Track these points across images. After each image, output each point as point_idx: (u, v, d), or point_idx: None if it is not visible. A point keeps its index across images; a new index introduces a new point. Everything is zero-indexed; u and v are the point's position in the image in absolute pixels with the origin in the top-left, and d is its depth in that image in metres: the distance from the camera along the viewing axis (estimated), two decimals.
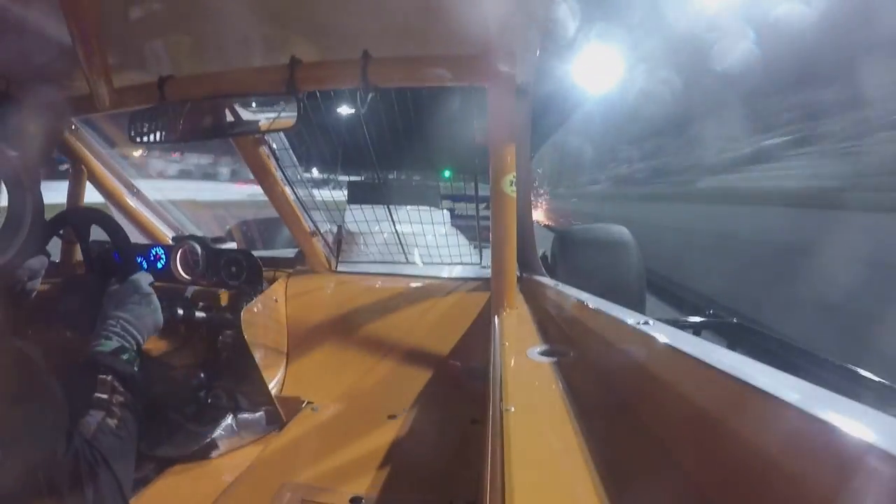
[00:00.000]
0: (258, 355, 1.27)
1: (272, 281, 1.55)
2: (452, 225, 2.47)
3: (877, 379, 0.81)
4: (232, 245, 1.56)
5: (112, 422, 0.83)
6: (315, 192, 1.52)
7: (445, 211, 2.99)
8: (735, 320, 1.15)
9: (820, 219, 3.64)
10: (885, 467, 0.31)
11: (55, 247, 1.44)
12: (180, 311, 1.44)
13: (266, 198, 1.45)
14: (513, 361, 0.81)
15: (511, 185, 1.05)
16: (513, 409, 0.62)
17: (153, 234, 1.74)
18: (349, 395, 1.36)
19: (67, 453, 0.73)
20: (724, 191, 5.59)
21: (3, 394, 0.67)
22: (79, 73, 1.03)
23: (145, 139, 1.03)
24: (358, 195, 2.49)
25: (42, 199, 0.92)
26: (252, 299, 1.39)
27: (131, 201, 1.68)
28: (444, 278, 1.56)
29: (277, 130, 1.04)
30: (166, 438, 1.05)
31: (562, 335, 0.96)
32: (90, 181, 1.58)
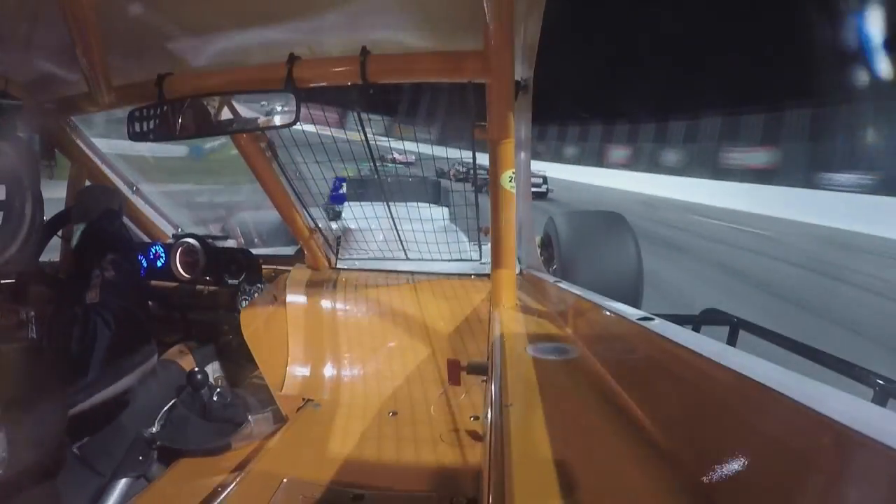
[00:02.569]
0: (259, 353, 1.27)
1: (272, 278, 1.55)
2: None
3: (877, 375, 0.80)
4: (231, 243, 1.56)
5: (109, 274, 0.93)
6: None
7: (444, 207, 2.99)
8: (735, 317, 1.15)
9: None
10: (884, 461, 0.31)
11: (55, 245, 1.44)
12: (180, 310, 1.45)
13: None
14: (513, 358, 0.81)
15: (510, 181, 1.05)
16: (513, 406, 0.63)
17: (153, 232, 1.74)
18: (350, 392, 1.36)
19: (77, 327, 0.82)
20: None
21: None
22: (77, 71, 1.03)
23: (144, 137, 1.03)
24: (357, 192, 2.49)
25: (42, 199, 0.92)
26: (252, 297, 1.39)
27: (131, 200, 1.68)
28: (444, 274, 1.56)
29: (276, 128, 1.03)
30: (171, 433, 1.06)
31: (562, 331, 0.96)
32: (90, 180, 1.58)
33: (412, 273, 1.58)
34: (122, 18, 1.00)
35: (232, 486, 0.98)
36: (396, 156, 3.08)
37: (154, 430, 1.06)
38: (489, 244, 1.18)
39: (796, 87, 12.73)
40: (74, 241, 1.06)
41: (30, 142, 1.31)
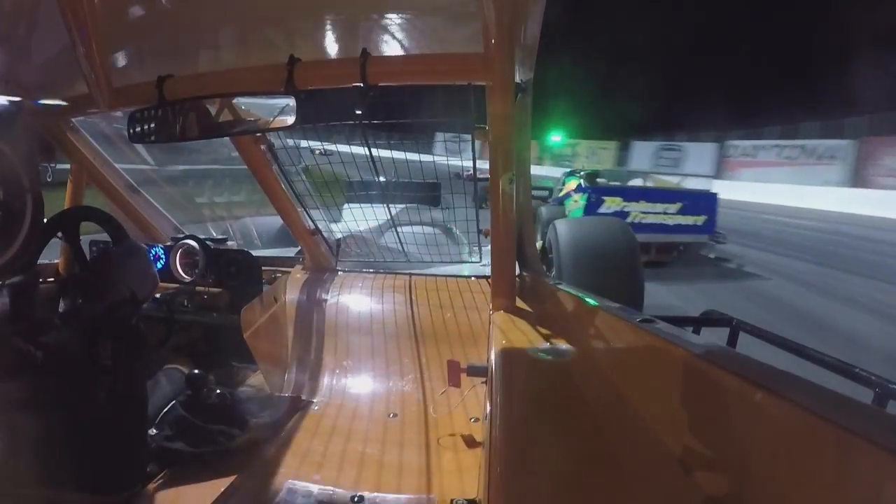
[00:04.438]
0: (259, 355, 1.27)
1: (272, 280, 1.55)
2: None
3: (877, 377, 0.81)
4: (231, 245, 1.56)
5: (107, 361, 0.90)
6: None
7: (445, 210, 2.99)
8: (735, 319, 1.15)
9: None
10: (884, 462, 0.31)
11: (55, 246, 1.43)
12: (180, 312, 1.44)
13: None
14: (513, 359, 0.81)
15: (511, 183, 1.05)
16: (513, 407, 0.63)
17: (153, 234, 1.74)
18: (350, 393, 1.36)
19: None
20: None
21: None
22: (78, 72, 1.03)
23: (144, 139, 1.03)
24: (357, 194, 2.49)
25: (42, 199, 0.92)
26: (252, 299, 1.39)
27: (131, 201, 1.68)
28: (444, 276, 1.56)
29: (276, 130, 1.03)
30: (170, 435, 1.06)
31: (561, 333, 0.96)
32: (90, 181, 1.58)
33: (412, 275, 1.58)
34: (123, 20, 1.00)
35: (232, 487, 0.98)
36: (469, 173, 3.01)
37: (154, 432, 1.05)
38: (489, 246, 1.18)
39: None
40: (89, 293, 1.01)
41: (30, 143, 1.31)
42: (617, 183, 6.67)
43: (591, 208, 5.44)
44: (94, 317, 0.96)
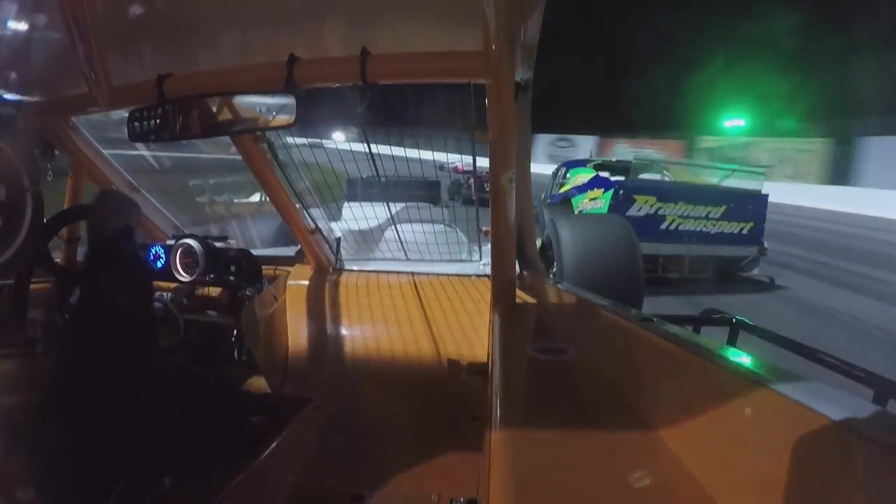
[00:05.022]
0: (259, 353, 1.27)
1: (272, 279, 1.55)
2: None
3: (877, 376, 0.81)
4: (231, 244, 1.56)
5: (121, 301, 0.97)
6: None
7: (445, 208, 2.99)
8: (735, 318, 1.15)
9: None
10: (884, 460, 0.31)
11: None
12: (180, 311, 1.44)
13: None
14: (513, 358, 0.82)
15: (510, 181, 1.05)
16: (513, 406, 0.63)
17: (153, 232, 1.74)
18: (350, 392, 1.36)
19: None
20: None
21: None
22: (77, 71, 1.03)
23: (144, 137, 1.03)
24: (357, 192, 2.49)
25: (42, 199, 0.92)
26: (252, 298, 1.39)
27: None
28: (444, 275, 1.56)
29: (276, 128, 1.03)
30: (170, 434, 1.06)
31: (561, 332, 0.96)
32: (90, 180, 1.58)
33: (412, 274, 1.58)
34: (122, 18, 1.00)
35: (232, 486, 0.98)
36: (459, 165, 2.90)
37: (154, 430, 1.06)
38: (489, 245, 1.18)
39: None
40: (87, 252, 1.06)
41: (30, 143, 1.31)
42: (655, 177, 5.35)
43: (617, 208, 4.31)
44: (95, 252, 0.98)
